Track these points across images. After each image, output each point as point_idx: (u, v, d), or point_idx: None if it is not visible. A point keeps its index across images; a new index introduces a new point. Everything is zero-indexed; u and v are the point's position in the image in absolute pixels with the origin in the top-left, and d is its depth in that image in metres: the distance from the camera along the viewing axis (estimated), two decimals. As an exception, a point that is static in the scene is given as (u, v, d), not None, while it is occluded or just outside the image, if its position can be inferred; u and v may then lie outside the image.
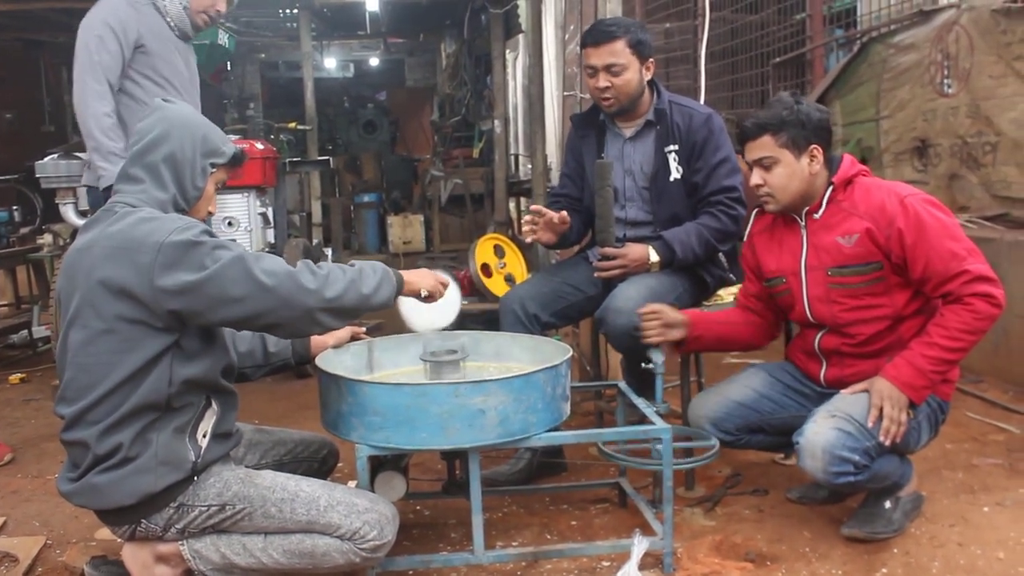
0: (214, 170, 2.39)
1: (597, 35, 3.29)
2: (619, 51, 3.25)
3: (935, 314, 2.62)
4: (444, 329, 2.76)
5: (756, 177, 2.74)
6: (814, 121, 2.70)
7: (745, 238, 3.06)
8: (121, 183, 2.35)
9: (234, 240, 2.28)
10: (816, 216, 2.76)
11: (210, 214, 2.48)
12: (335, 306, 2.23)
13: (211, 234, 2.22)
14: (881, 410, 2.56)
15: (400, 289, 2.42)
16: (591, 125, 3.50)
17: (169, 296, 2.13)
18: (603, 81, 3.27)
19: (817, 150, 2.71)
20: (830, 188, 2.74)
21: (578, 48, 4.89)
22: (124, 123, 3.63)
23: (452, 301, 2.71)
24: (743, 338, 3.08)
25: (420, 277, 2.52)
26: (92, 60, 3.55)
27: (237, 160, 2.45)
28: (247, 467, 2.46)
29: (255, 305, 2.16)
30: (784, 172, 2.70)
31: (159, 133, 2.32)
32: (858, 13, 6.02)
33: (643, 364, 2.96)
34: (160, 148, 2.31)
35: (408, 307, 2.64)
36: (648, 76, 3.34)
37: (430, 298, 2.54)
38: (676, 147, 3.32)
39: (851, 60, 5.60)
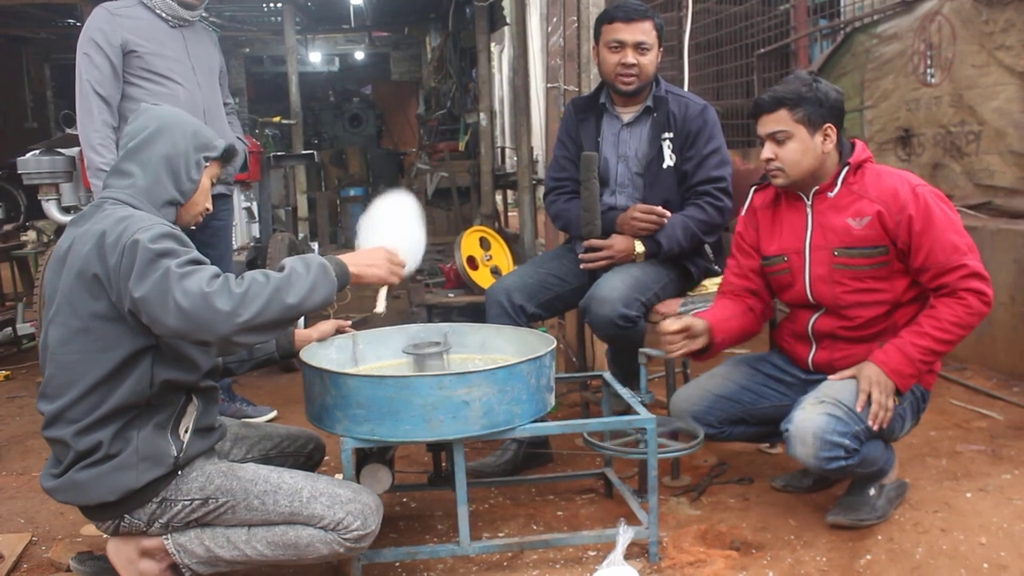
0: (207, 164, 2.40)
1: (630, 11, 3.29)
2: (648, 30, 3.29)
3: (927, 305, 2.64)
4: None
5: (767, 151, 2.73)
6: (831, 100, 2.71)
7: (744, 213, 3.01)
8: (112, 178, 2.35)
9: (187, 248, 2.19)
10: (829, 195, 2.77)
11: (207, 210, 2.48)
12: (253, 325, 2.09)
13: (174, 237, 2.16)
14: (869, 395, 2.58)
15: (344, 283, 2.29)
16: (590, 109, 3.50)
17: (126, 301, 2.12)
18: (631, 57, 3.27)
19: (831, 129, 2.72)
20: (845, 169, 2.75)
21: (561, 40, 4.88)
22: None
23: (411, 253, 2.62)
24: (753, 328, 2.98)
25: (370, 270, 2.39)
26: (83, 79, 3.59)
27: (229, 154, 2.45)
28: (231, 461, 2.46)
29: (175, 325, 2.07)
30: (797, 147, 2.71)
31: (152, 131, 2.33)
32: (841, 3, 6.03)
33: (640, 358, 2.93)
34: (154, 144, 2.32)
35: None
36: (659, 62, 3.36)
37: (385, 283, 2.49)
38: (671, 135, 3.34)
39: (835, 50, 5.61)
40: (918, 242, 2.62)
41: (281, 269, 2.21)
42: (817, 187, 2.78)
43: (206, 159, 2.39)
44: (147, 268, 2.08)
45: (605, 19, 3.35)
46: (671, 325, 2.79)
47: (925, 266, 2.62)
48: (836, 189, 2.76)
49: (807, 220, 2.81)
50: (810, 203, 2.81)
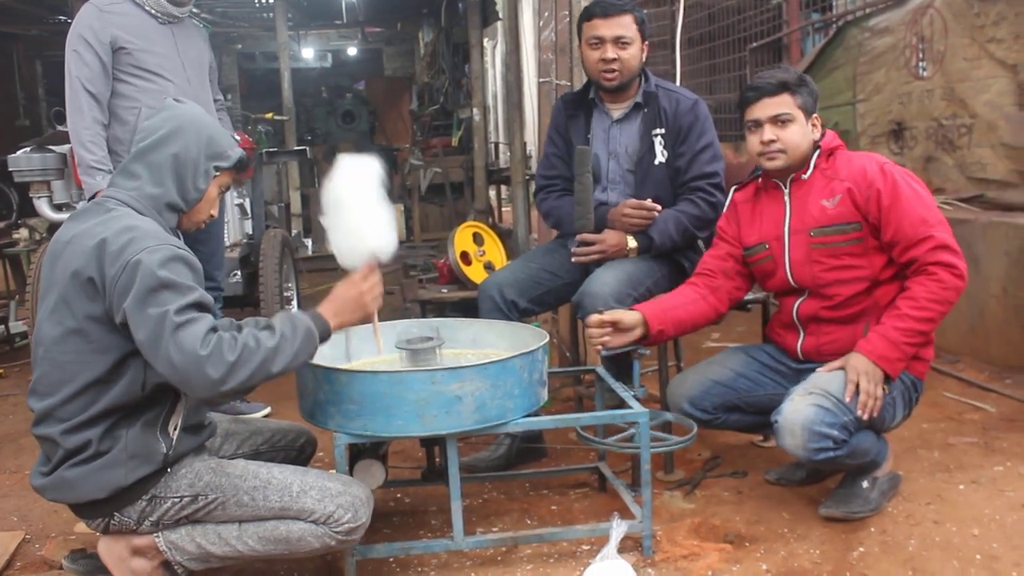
0: (217, 173, 2.37)
1: (607, 7, 3.28)
2: (627, 24, 3.27)
3: (903, 288, 2.68)
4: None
5: (769, 133, 2.78)
6: (816, 93, 2.82)
7: (726, 208, 3.07)
8: (118, 177, 2.33)
9: (191, 285, 2.18)
10: (804, 177, 2.82)
11: (211, 217, 2.46)
12: (236, 391, 2.12)
13: (182, 260, 2.15)
14: (857, 385, 2.60)
15: (325, 340, 2.31)
16: (580, 106, 3.49)
17: (118, 315, 2.12)
18: (611, 52, 3.26)
19: (818, 119, 2.82)
20: (817, 152, 2.82)
21: (552, 35, 4.88)
22: (123, 122, 3.64)
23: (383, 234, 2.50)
24: (701, 315, 2.99)
25: (351, 316, 2.38)
26: (72, 76, 3.58)
27: (242, 165, 2.43)
28: (222, 457, 2.45)
29: (163, 371, 2.09)
30: (798, 131, 2.78)
31: (166, 132, 2.30)
32: (833, -3, 6.05)
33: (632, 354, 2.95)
34: (165, 147, 2.29)
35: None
36: (644, 57, 3.35)
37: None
38: (662, 131, 3.33)
39: (827, 44, 5.62)
40: (887, 216, 2.66)
41: (270, 327, 2.19)
42: (793, 174, 2.84)
43: (217, 168, 2.36)
44: (147, 297, 2.07)
45: (584, 16, 3.35)
46: (594, 319, 2.87)
47: (895, 240, 2.66)
48: (810, 171, 2.82)
49: (785, 207, 2.86)
50: (787, 191, 2.85)
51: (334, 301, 2.37)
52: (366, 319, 2.45)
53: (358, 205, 2.47)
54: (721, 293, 3.01)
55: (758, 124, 2.80)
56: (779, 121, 2.77)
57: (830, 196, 2.76)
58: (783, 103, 2.77)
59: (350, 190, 2.49)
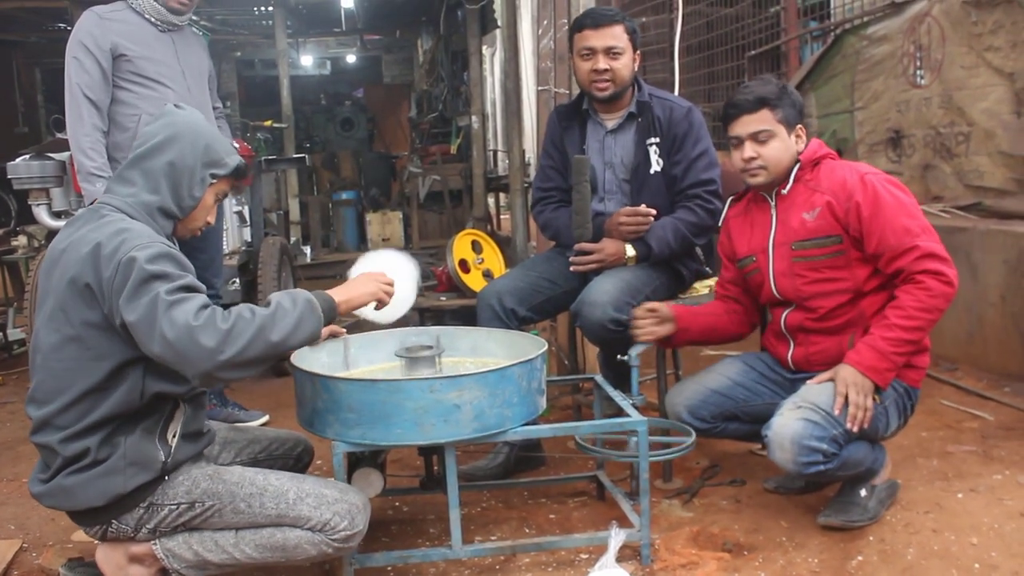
0: (214, 181, 2.36)
1: (597, 18, 3.29)
2: (618, 35, 3.27)
3: (892, 297, 2.68)
4: (403, 316, 2.73)
5: (749, 150, 2.77)
6: (799, 104, 2.81)
7: (720, 224, 3.10)
8: (114, 183, 2.33)
9: (182, 273, 2.16)
10: (784, 192, 2.82)
11: (208, 224, 2.45)
12: (235, 363, 2.08)
13: (172, 258, 2.14)
14: (846, 397, 2.59)
15: (331, 318, 2.30)
16: (574, 117, 3.49)
17: (117, 316, 2.12)
18: (603, 63, 3.26)
19: (802, 130, 2.80)
20: (797, 166, 2.81)
21: (551, 43, 4.88)
22: (123, 129, 3.64)
23: (403, 293, 2.66)
24: (727, 328, 3.07)
25: (357, 292, 2.40)
26: (72, 83, 3.58)
27: (239, 173, 2.41)
28: (220, 465, 2.45)
29: (159, 352, 2.07)
30: (779, 146, 2.76)
31: (163, 139, 2.30)
32: (831, 5, 6.05)
33: (619, 356, 2.97)
34: (161, 154, 2.29)
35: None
36: (636, 67, 3.35)
37: (380, 305, 2.50)
38: (657, 140, 3.33)
39: (825, 52, 5.63)
40: (869, 228, 2.65)
41: (268, 304, 2.20)
42: (778, 187, 2.84)
43: (213, 176, 2.35)
44: (139, 288, 2.07)
45: (575, 28, 3.35)
46: (639, 310, 2.98)
47: (879, 251, 2.65)
48: (789, 186, 2.81)
49: (771, 220, 2.87)
50: (774, 203, 2.86)
51: (343, 283, 2.42)
52: (372, 298, 2.46)
53: (383, 264, 2.66)
54: (742, 317, 3.06)
55: (739, 141, 2.80)
56: (759, 138, 2.76)
57: (810, 209, 2.75)
58: (762, 119, 2.75)
59: (378, 260, 2.70)
